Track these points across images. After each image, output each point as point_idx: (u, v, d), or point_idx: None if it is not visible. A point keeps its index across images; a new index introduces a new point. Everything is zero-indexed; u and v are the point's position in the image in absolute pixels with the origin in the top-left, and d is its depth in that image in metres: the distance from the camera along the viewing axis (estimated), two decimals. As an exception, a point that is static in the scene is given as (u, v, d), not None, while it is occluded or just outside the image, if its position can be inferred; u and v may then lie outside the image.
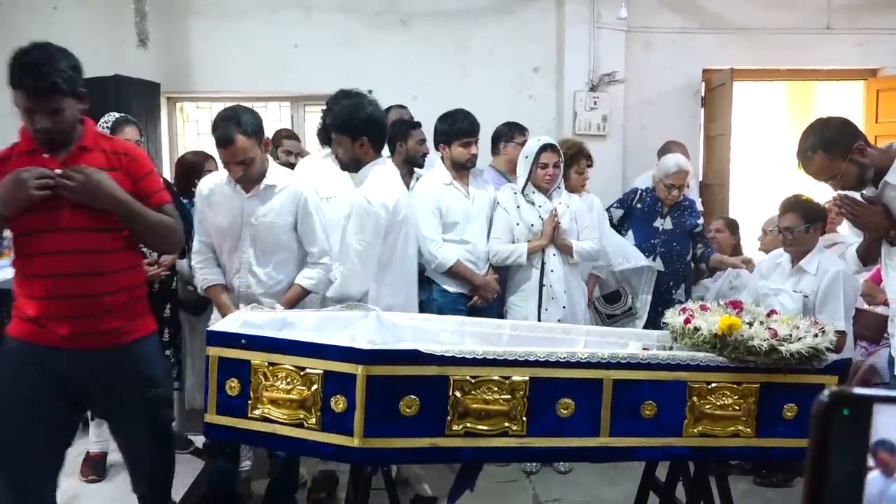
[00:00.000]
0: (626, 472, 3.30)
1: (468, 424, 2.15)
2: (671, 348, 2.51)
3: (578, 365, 2.22)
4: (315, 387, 2.11)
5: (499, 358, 2.16)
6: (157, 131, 5.46)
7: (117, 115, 3.66)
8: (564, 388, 2.21)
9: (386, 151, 4.17)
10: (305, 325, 2.57)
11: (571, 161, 4.09)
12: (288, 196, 3.03)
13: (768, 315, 2.48)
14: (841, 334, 3.25)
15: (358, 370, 2.06)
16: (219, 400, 2.22)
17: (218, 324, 2.39)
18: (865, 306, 4.19)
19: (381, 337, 2.55)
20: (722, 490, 2.52)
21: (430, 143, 4.06)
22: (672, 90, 6.12)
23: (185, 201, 3.72)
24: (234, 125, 2.82)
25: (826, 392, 0.58)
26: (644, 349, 2.49)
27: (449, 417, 2.14)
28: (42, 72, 2.18)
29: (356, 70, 5.50)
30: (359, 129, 3.09)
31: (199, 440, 3.87)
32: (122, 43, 5.65)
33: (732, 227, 4.73)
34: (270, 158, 3.18)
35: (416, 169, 4.13)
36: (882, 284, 4.28)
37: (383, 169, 3.17)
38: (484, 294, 3.82)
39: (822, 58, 6.15)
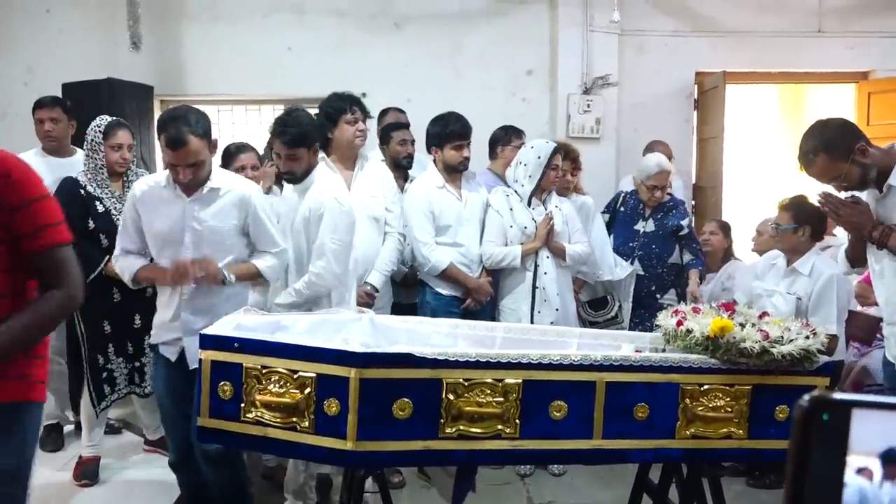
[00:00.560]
0: (620, 474, 3.31)
1: (461, 427, 2.15)
2: (664, 350, 2.52)
3: (571, 367, 2.22)
4: (308, 390, 2.10)
5: (492, 360, 2.17)
6: (150, 134, 5.44)
7: (110, 118, 3.66)
8: (557, 390, 2.21)
9: (378, 154, 4.21)
10: (298, 329, 2.57)
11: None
12: (232, 199, 2.88)
13: (760, 317, 2.49)
14: (832, 338, 3.27)
15: (351, 373, 2.06)
16: (211, 403, 2.22)
17: (211, 327, 2.37)
18: (858, 308, 4.20)
19: (375, 340, 2.55)
20: (715, 492, 2.53)
21: (423, 146, 4.07)
22: (665, 93, 6.14)
23: None
24: (186, 126, 2.68)
25: (806, 397, 0.59)
26: (637, 351, 2.49)
27: (442, 420, 2.14)
28: None
29: (350, 73, 5.50)
30: (314, 136, 3.18)
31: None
32: (115, 46, 5.65)
33: (725, 229, 4.74)
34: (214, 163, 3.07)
35: (409, 172, 4.14)
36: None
37: (325, 169, 3.30)
38: (477, 297, 3.82)
39: (814, 60, 6.18)
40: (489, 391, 2.16)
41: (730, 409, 2.32)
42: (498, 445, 2.18)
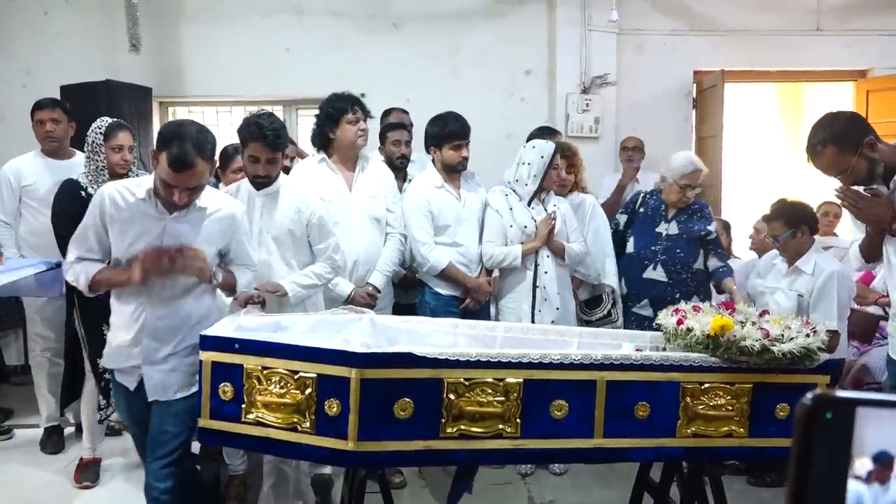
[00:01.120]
0: (621, 474, 3.31)
1: (462, 427, 2.15)
2: (664, 349, 2.52)
3: (572, 366, 2.22)
4: (309, 390, 2.10)
5: (492, 360, 2.17)
6: (148, 136, 5.44)
7: (110, 119, 3.65)
8: (558, 389, 2.21)
9: (378, 155, 4.22)
10: (299, 329, 2.57)
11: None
12: (219, 221, 2.68)
13: (760, 315, 2.49)
14: (833, 334, 3.27)
15: (352, 373, 2.06)
16: (212, 404, 2.22)
17: (211, 328, 2.37)
18: (856, 306, 4.21)
19: (375, 340, 2.55)
20: (716, 490, 2.53)
21: (422, 146, 4.07)
22: (664, 92, 6.14)
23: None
24: (194, 147, 2.44)
25: (809, 395, 0.58)
26: (637, 350, 2.49)
27: (443, 420, 2.14)
28: None
29: (348, 73, 5.50)
30: (286, 140, 3.22)
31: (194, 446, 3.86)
32: (114, 48, 5.65)
33: (726, 227, 4.75)
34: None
35: (407, 172, 4.15)
36: (872, 284, 4.32)
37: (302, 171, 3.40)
38: (476, 296, 3.82)
39: (812, 59, 6.19)
40: (490, 391, 2.16)
41: (730, 408, 2.32)
42: (499, 445, 2.18)
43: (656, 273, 3.90)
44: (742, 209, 6.56)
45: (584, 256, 3.97)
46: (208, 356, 2.23)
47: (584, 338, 2.69)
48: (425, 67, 5.94)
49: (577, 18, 5.90)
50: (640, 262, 3.94)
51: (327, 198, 3.50)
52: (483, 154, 4.36)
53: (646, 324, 3.76)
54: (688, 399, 2.30)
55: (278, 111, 6.25)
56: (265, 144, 3.02)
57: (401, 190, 3.95)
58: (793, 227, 3.53)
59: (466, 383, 2.14)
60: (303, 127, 6.11)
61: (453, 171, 3.86)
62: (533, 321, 3.68)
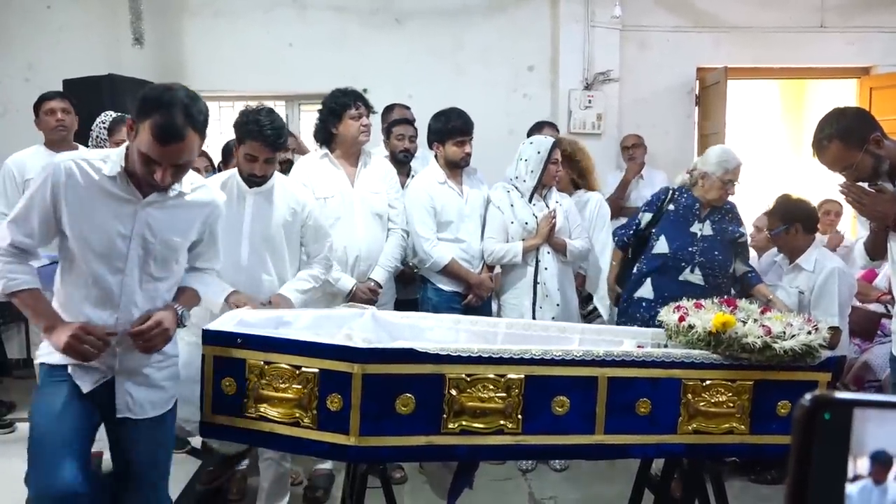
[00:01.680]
0: (622, 470, 3.31)
1: (464, 422, 2.16)
2: (666, 346, 2.52)
3: (573, 363, 2.22)
4: (311, 385, 2.11)
5: (494, 356, 2.17)
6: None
7: (114, 114, 3.66)
8: (560, 385, 2.21)
9: (382, 150, 4.22)
10: (301, 324, 2.57)
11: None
12: (198, 207, 2.32)
13: (762, 312, 2.49)
14: (835, 331, 3.27)
15: (354, 368, 2.07)
16: (214, 399, 2.22)
17: (213, 322, 2.37)
18: (858, 303, 4.21)
19: (377, 335, 2.55)
20: (716, 487, 2.54)
21: (424, 142, 4.07)
22: (666, 88, 6.14)
23: None
24: (185, 115, 2.06)
25: (808, 396, 0.59)
26: (639, 347, 2.49)
27: (445, 415, 2.14)
28: None
29: (351, 69, 5.50)
30: (287, 138, 3.12)
31: (195, 440, 3.86)
32: (117, 42, 5.65)
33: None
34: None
35: (410, 167, 4.15)
36: (874, 282, 4.32)
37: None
38: (478, 292, 3.82)
39: (816, 56, 6.18)
40: (491, 386, 2.16)
41: (732, 405, 2.32)
42: (500, 441, 2.19)
43: (693, 276, 3.55)
44: (744, 207, 6.54)
45: (587, 253, 3.97)
46: (210, 350, 2.23)
47: (585, 334, 2.70)
48: (428, 63, 5.94)
49: (581, 14, 5.90)
50: (677, 264, 3.57)
51: (329, 193, 3.51)
52: (485, 150, 4.36)
53: None
54: (689, 396, 2.30)
55: (280, 106, 6.26)
56: (265, 144, 2.90)
57: (403, 185, 3.96)
58: (786, 223, 3.54)
59: (468, 379, 2.15)
60: (305, 122, 6.10)
61: (456, 167, 3.86)
62: (534, 317, 3.68)
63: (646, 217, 3.74)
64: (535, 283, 3.78)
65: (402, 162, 4.08)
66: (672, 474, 2.68)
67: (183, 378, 2.46)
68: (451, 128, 3.80)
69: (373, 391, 2.08)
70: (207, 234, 2.39)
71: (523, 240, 3.78)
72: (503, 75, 6.01)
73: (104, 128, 3.55)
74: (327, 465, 3.63)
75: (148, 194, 2.18)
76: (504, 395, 2.17)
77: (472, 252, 3.84)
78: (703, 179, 3.62)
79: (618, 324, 3.64)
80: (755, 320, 2.38)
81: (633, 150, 5.44)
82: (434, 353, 2.13)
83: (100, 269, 2.18)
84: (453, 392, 2.13)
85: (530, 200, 3.82)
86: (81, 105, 4.37)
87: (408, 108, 4.71)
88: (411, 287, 4.02)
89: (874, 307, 4.30)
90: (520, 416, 2.18)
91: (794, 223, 3.55)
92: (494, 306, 4.01)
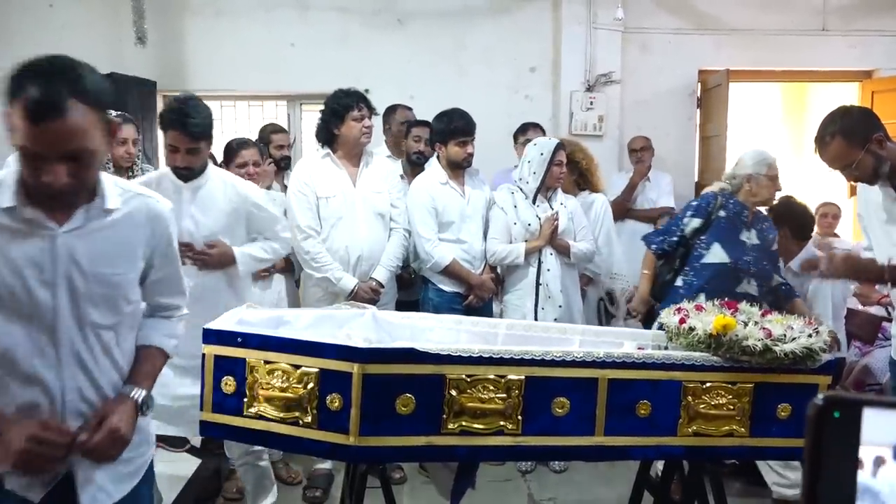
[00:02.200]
0: (621, 472, 3.31)
1: (464, 423, 2.15)
2: (666, 348, 2.52)
3: (574, 364, 2.22)
4: (311, 385, 2.11)
5: (495, 357, 2.17)
6: (153, 130, 5.44)
7: (115, 112, 3.65)
8: (560, 387, 2.21)
9: (385, 150, 4.23)
10: (301, 324, 2.57)
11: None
12: (137, 227, 1.76)
13: (763, 315, 2.49)
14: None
15: (354, 368, 2.06)
16: (214, 398, 2.22)
17: (214, 322, 2.37)
18: (859, 307, 4.21)
19: (377, 335, 2.55)
20: (716, 489, 2.53)
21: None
22: (668, 91, 6.14)
23: None
24: (68, 83, 1.56)
25: (820, 395, 0.64)
26: (639, 348, 2.49)
27: (444, 416, 2.14)
28: None
29: (353, 69, 5.51)
30: (212, 129, 2.98)
31: (195, 439, 3.86)
32: (119, 41, 5.65)
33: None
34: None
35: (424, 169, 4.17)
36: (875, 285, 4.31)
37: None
38: (480, 293, 3.82)
39: (818, 59, 6.18)
40: (492, 387, 2.16)
41: (732, 407, 2.32)
42: (500, 442, 2.18)
43: (750, 287, 3.35)
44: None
45: (591, 255, 3.97)
46: (210, 349, 2.22)
47: (586, 335, 2.69)
48: (430, 64, 5.94)
49: (583, 16, 5.90)
50: (735, 275, 3.36)
51: (331, 193, 3.51)
52: (487, 151, 4.36)
53: None
54: (689, 398, 2.30)
55: (282, 106, 6.26)
56: (184, 133, 2.79)
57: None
58: (776, 225, 3.53)
59: (468, 380, 2.14)
60: (307, 122, 6.11)
61: (458, 168, 3.86)
62: (536, 318, 3.68)
63: (693, 223, 3.44)
64: (538, 284, 3.78)
65: (415, 164, 4.09)
66: (672, 476, 2.68)
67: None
68: (454, 128, 3.80)
69: (373, 391, 2.08)
70: (159, 257, 1.83)
71: (526, 241, 3.78)
72: (505, 76, 6.01)
73: (105, 126, 3.54)
74: (326, 464, 3.63)
75: (64, 220, 1.61)
76: (504, 395, 2.16)
77: (473, 253, 3.84)
78: (748, 183, 3.43)
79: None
80: (756, 323, 2.38)
81: (641, 152, 5.43)
82: (434, 354, 2.13)
83: (14, 320, 1.59)
84: (453, 392, 2.13)
85: (534, 202, 3.82)
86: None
87: (410, 108, 4.72)
88: (410, 290, 4.02)
89: (875, 310, 4.30)
90: (520, 417, 2.18)
91: (783, 226, 3.55)
92: (496, 307, 4.01)
